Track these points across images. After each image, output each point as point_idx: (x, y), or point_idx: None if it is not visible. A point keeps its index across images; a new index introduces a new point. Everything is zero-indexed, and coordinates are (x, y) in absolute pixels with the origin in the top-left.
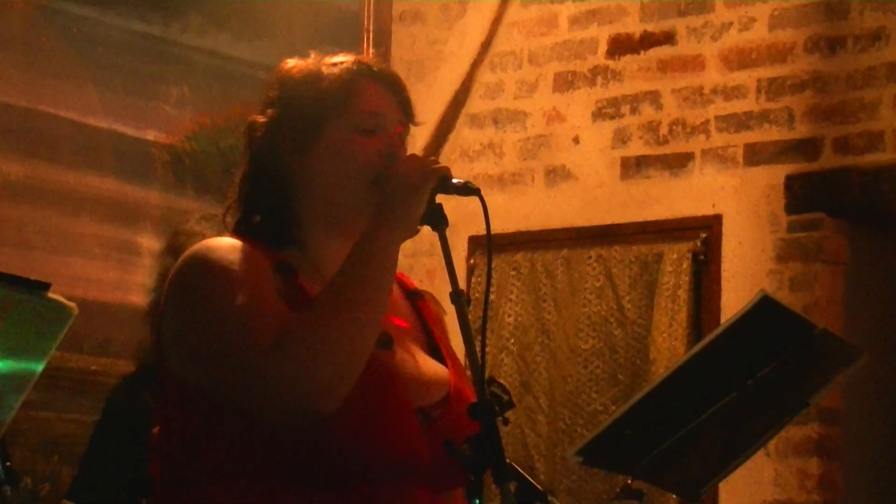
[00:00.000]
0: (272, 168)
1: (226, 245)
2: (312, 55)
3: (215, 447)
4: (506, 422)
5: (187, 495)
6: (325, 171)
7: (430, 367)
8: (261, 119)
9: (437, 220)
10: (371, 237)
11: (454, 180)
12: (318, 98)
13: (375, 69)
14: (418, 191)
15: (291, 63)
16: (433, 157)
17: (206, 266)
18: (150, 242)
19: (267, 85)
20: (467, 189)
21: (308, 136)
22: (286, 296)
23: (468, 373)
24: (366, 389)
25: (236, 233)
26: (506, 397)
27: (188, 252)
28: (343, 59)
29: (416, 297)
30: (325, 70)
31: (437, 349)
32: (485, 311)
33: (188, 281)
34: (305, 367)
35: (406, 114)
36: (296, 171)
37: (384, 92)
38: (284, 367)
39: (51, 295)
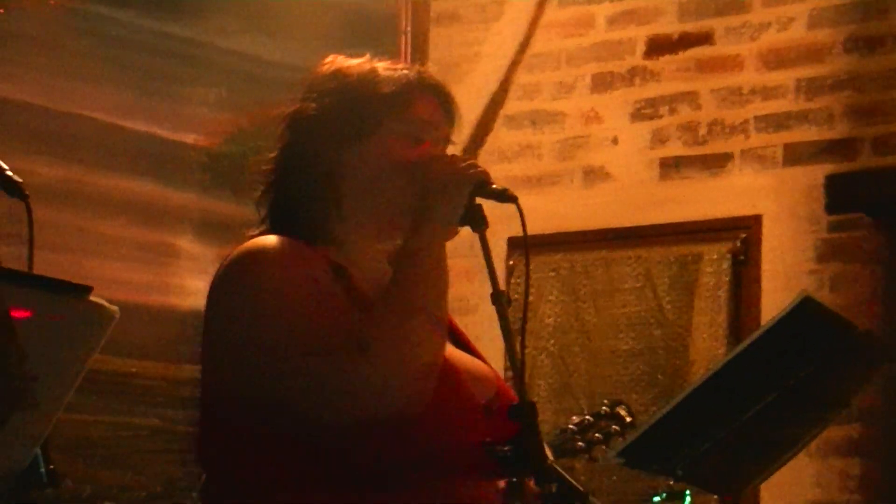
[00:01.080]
0: (317, 156)
1: (279, 245)
2: (367, 56)
3: (262, 454)
4: (592, 460)
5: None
6: (373, 167)
7: (477, 363)
8: (310, 107)
9: (477, 221)
10: (418, 239)
11: (493, 186)
12: (377, 97)
13: (433, 82)
14: (456, 193)
15: (342, 59)
16: (472, 159)
17: (264, 268)
18: (187, 245)
19: (316, 77)
20: (505, 196)
21: (362, 130)
22: (347, 298)
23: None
24: (438, 386)
25: (274, 229)
26: (629, 419)
27: (242, 251)
28: (402, 65)
29: None
30: (382, 72)
31: (465, 348)
32: (524, 317)
33: (246, 283)
34: (396, 372)
35: (451, 128)
36: (343, 163)
37: (438, 106)
38: (380, 368)
39: (93, 298)
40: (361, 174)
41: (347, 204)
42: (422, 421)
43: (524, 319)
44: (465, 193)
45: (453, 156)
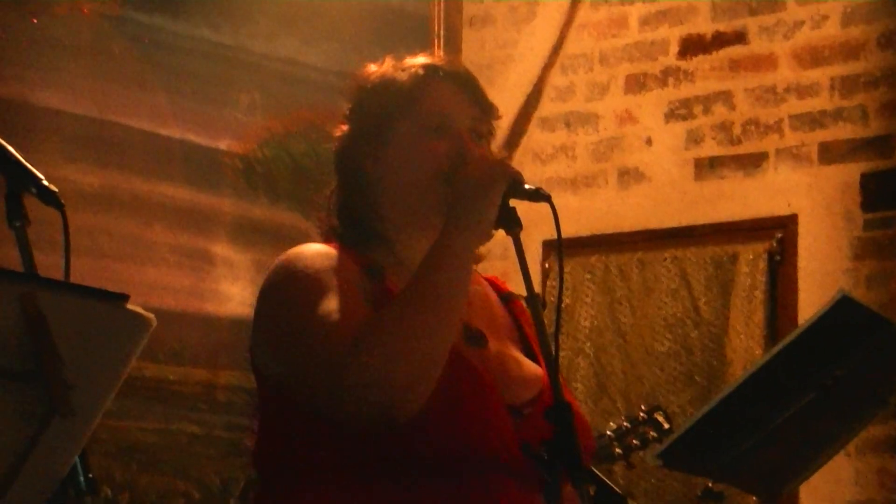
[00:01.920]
0: (353, 175)
1: (313, 250)
2: (388, 60)
3: (308, 448)
4: (630, 466)
5: (284, 497)
6: (398, 173)
7: (526, 365)
8: (340, 130)
9: (511, 222)
10: (444, 241)
11: (526, 186)
12: (386, 102)
13: (443, 69)
14: (488, 193)
15: (367, 71)
16: (504, 159)
17: (294, 270)
18: (223, 250)
19: (348, 95)
20: (538, 195)
21: (379, 140)
22: (374, 298)
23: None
24: (456, 386)
25: (326, 239)
26: (667, 425)
27: (279, 258)
28: (413, 61)
29: (510, 300)
30: (395, 75)
31: (530, 350)
32: (557, 319)
33: (277, 285)
34: (380, 374)
35: (482, 109)
36: (373, 176)
37: (454, 91)
38: (360, 372)
39: (129, 306)
40: (391, 179)
41: (386, 210)
42: (435, 420)
43: (558, 321)
44: (499, 193)
45: (485, 155)
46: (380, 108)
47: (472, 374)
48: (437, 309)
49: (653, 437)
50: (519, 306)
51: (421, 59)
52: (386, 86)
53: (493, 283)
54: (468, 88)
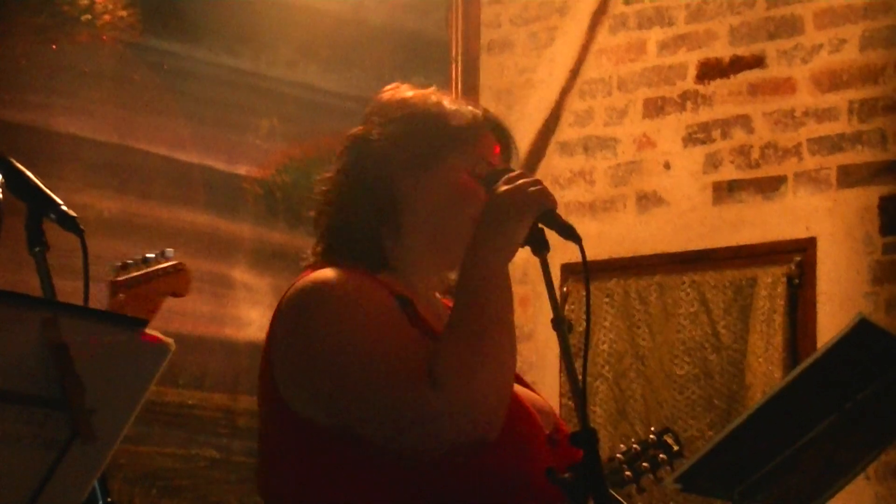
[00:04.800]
0: (379, 182)
1: (344, 276)
2: (433, 88)
3: (338, 484)
4: (641, 490)
5: None
6: (436, 199)
7: (535, 396)
8: (374, 131)
9: (539, 244)
10: (481, 261)
11: (559, 217)
12: (445, 129)
13: (496, 122)
14: (524, 215)
15: (406, 87)
16: (541, 183)
17: (334, 299)
18: (243, 276)
19: (380, 103)
20: (570, 233)
21: (428, 161)
22: (413, 326)
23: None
24: (511, 416)
25: (331, 253)
26: (676, 447)
27: (304, 284)
28: (467, 103)
29: None
30: (449, 106)
31: (520, 382)
32: (586, 343)
33: (315, 315)
34: (472, 400)
35: (506, 160)
36: (405, 191)
37: (497, 145)
38: (450, 401)
39: (148, 331)
40: (424, 204)
41: (407, 233)
42: (495, 450)
43: (586, 345)
44: (532, 217)
45: (523, 177)
46: (438, 132)
47: (519, 405)
48: (499, 328)
49: (662, 459)
50: None
51: (472, 105)
52: (443, 113)
53: None
54: (506, 146)
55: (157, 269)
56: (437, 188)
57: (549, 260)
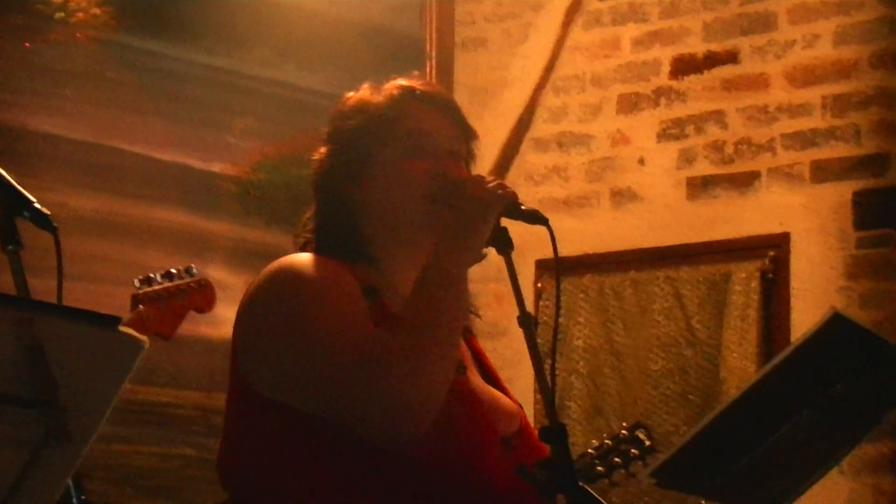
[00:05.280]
0: (334, 199)
1: (313, 260)
2: (366, 86)
3: (295, 465)
4: (613, 485)
5: None
6: (380, 195)
7: (501, 398)
8: (318, 154)
9: (503, 243)
10: (439, 263)
11: (523, 207)
12: (364, 126)
13: (419, 91)
14: (486, 215)
15: (346, 97)
16: (500, 181)
17: (298, 280)
18: (219, 274)
19: (329, 121)
20: (536, 217)
21: (360, 164)
22: (374, 316)
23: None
24: (457, 415)
25: (312, 250)
26: (648, 442)
27: (274, 266)
28: (389, 84)
29: (465, 332)
30: (372, 98)
31: (495, 382)
32: (554, 339)
33: (279, 295)
34: (402, 388)
35: (460, 130)
36: (355, 199)
37: (431, 112)
38: (382, 384)
39: (122, 328)
40: (375, 201)
41: (371, 231)
42: (432, 449)
43: (555, 341)
44: (495, 215)
45: (481, 176)
46: (358, 132)
47: (472, 405)
48: (443, 332)
49: (634, 454)
50: (473, 338)
51: (397, 82)
52: (362, 109)
53: None
54: (446, 110)
55: (181, 285)
56: (377, 184)
57: (524, 256)
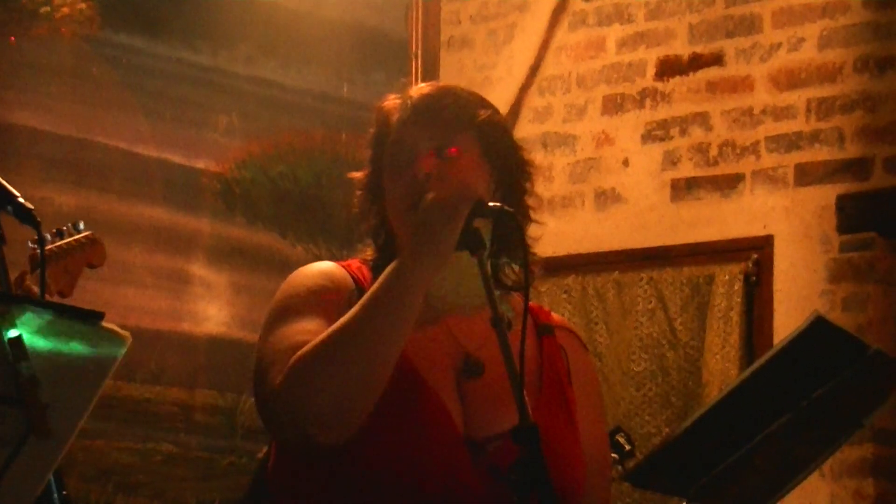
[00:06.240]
0: (375, 214)
1: (314, 270)
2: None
3: (301, 478)
4: None
5: None
6: (390, 208)
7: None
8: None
9: (475, 244)
10: (395, 271)
11: (490, 204)
12: (371, 146)
13: (409, 99)
14: (451, 220)
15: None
16: (465, 183)
17: (282, 290)
18: (201, 271)
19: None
20: (502, 213)
21: (377, 181)
22: None
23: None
24: (407, 418)
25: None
26: (628, 447)
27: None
28: (391, 97)
29: (544, 332)
30: (376, 115)
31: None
32: (522, 338)
33: (273, 301)
34: (302, 402)
35: (444, 123)
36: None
37: (412, 118)
38: (284, 400)
39: (104, 324)
40: (389, 212)
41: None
42: (381, 452)
43: (523, 340)
44: (461, 218)
45: (446, 181)
46: (370, 149)
47: (428, 406)
48: (370, 342)
49: (613, 458)
50: (551, 340)
51: (391, 97)
52: (376, 125)
53: (533, 312)
54: (428, 109)
55: (72, 242)
56: (388, 202)
57: None
